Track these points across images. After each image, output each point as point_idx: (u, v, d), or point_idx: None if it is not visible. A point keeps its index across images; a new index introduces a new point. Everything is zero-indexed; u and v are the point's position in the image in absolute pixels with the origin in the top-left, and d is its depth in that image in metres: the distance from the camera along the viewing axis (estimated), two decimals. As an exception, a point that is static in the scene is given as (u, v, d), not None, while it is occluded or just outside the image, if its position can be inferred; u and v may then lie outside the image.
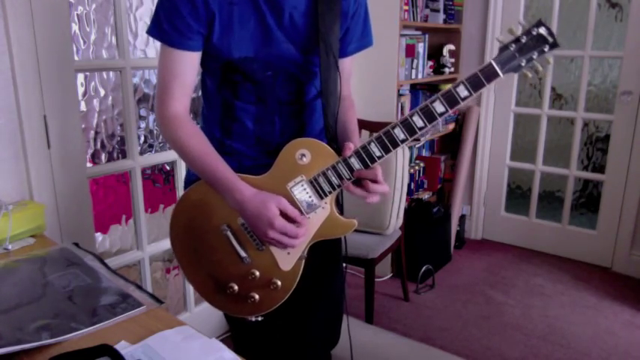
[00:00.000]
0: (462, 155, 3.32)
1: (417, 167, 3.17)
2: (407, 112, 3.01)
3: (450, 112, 1.04)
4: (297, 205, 1.09)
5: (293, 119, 1.19)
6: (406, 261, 2.72)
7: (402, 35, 2.74)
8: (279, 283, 1.12)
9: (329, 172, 1.07)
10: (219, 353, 0.87)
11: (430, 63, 3.14)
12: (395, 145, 1.05)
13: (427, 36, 3.04)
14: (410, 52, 2.86)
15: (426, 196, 3.25)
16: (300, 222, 1.06)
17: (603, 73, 3.11)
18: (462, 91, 1.03)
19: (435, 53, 3.24)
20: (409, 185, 3.02)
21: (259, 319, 1.17)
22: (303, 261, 1.12)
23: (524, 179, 3.47)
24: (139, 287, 1.09)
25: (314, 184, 1.08)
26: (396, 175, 2.38)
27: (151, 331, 0.92)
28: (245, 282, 1.14)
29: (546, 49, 1.02)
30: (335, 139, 1.17)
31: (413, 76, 2.95)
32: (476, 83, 1.02)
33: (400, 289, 2.76)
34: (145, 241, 2.05)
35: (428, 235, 2.95)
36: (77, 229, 1.73)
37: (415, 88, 3.14)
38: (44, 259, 1.22)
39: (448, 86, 1.04)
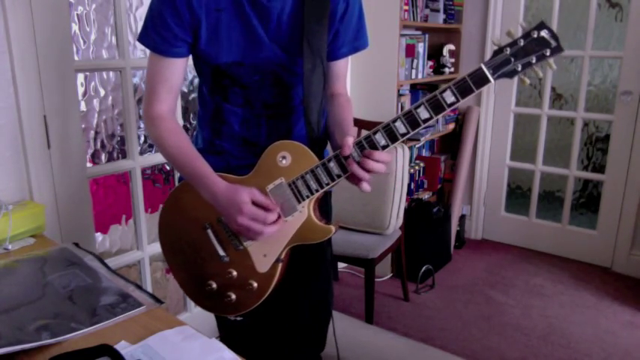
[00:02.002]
0: (462, 155, 3.32)
1: (417, 167, 3.17)
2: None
3: (435, 118, 0.99)
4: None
5: (279, 122, 1.20)
6: (406, 261, 2.72)
7: (402, 35, 2.74)
8: (255, 284, 1.13)
9: (307, 176, 1.06)
10: (219, 353, 0.87)
11: (430, 63, 3.14)
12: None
13: (427, 36, 3.04)
14: (410, 52, 2.86)
15: (426, 196, 3.25)
16: (272, 209, 1.06)
17: (603, 73, 3.11)
18: (449, 97, 0.97)
19: (435, 53, 3.24)
20: (409, 185, 3.02)
21: (238, 318, 1.20)
22: (281, 264, 1.12)
23: (524, 179, 3.47)
24: (139, 287, 1.09)
25: (292, 187, 1.08)
26: (396, 175, 2.38)
27: (151, 331, 0.92)
28: (223, 281, 1.16)
29: (548, 53, 0.94)
30: (317, 143, 1.16)
31: (413, 76, 2.94)
32: (464, 89, 0.96)
33: (400, 289, 2.76)
34: (145, 241, 2.05)
35: (428, 235, 2.95)
36: (77, 229, 1.73)
37: (415, 88, 3.14)
38: (44, 259, 1.22)
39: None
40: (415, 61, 2.93)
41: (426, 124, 1.00)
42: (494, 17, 3.18)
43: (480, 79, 0.95)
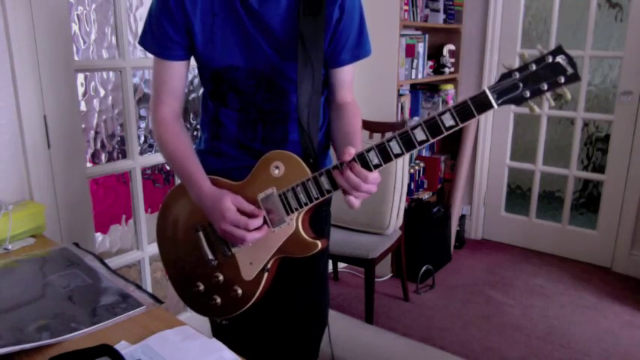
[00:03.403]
0: (462, 155, 3.32)
1: (417, 167, 3.17)
2: (407, 112, 3.01)
3: (432, 141, 0.95)
4: (265, 218, 1.09)
5: (275, 128, 1.20)
6: (406, 261, 2.72)
7: (402, 35, 2.74)
8: (239, 291, 1.14)
9: (298, 188, 1.05)
10: (219, 353, 0.87)
11: (430, 63, 3.14)
12: (367, 169, 0.99)
13: (427, 36, 3.04)
14: (410, 52, 2.86)
15: (426, 196, 3.25)
16: (256, 215, 1.06)
17: (603, 73, 3.11)
18: (448, 120, 0.91)
19: (435, 53, 3.24)
20: (409, 185, 3.02)
21: (224, 322, 1.22)
22: (267, 274, 1.12)
23: (524, 179, 3.47)
24: (139, 287, 1.09)
25: (282, 198, 1.07)
26: (396, 175, 2.38)
27: (151, 331, 0.92)
28: (210, 284, 1.18)
29: (562, 80, 0.85)
30: (311, 154, 1.14)
31: (413, 76, 2.95)
32: (464, 113, 0.90)
33: (400, 289, 2.76)
34: (145, 241, 2.05)
35: (428, 235, 2.95)
36: (77, 229, 1.73)
37: (415, 88, 3.14)
38: (44, 259, 1.22)
39: (443, 107, 0.95)
40: (415, 61, 2.93)
41: (422, 146, 0.96)
42: (495, 17, 3.18)
43: (482, 104, 0.89)
